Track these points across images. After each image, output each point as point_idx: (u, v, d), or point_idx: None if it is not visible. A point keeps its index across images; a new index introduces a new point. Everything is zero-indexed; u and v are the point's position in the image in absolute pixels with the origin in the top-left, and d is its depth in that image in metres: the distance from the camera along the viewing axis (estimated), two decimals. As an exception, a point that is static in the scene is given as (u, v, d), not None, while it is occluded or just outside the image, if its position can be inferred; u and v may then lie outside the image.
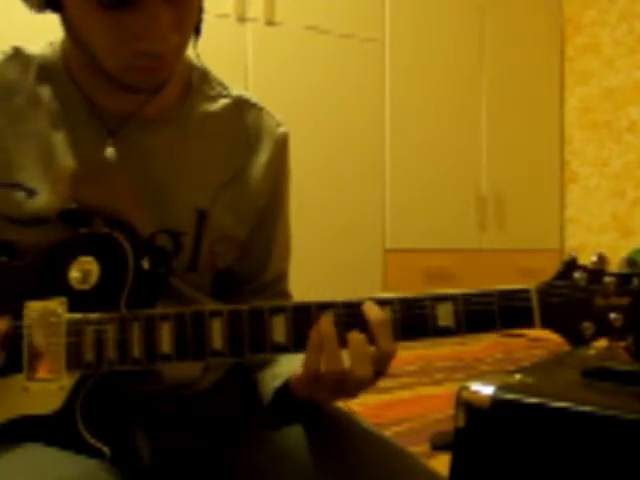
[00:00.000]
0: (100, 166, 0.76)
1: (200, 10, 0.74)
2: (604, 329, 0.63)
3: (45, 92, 0.77)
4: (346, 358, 0.65)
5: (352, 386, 0.65)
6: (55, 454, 0.65)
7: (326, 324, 0.65)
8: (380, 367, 0.66)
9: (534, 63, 3.64)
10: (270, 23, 2.77)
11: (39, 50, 0.79)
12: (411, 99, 3.19)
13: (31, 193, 0.74)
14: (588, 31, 3.68)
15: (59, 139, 0.76)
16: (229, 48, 2.64)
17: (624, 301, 0.62)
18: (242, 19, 2.70)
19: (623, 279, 0.62)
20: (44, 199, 0.74)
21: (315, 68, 2.88)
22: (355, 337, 0.64)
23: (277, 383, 0.75)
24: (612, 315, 0.62)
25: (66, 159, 0.75)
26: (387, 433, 1.01)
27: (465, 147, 3.39)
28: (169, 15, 0.66)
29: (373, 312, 0.65)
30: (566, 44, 3.76)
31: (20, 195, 0.74)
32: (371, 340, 0.64)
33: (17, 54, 0.78)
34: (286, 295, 0.92)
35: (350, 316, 0.66)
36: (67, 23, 0.71)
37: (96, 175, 0.75)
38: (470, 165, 3.40)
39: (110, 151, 0.76)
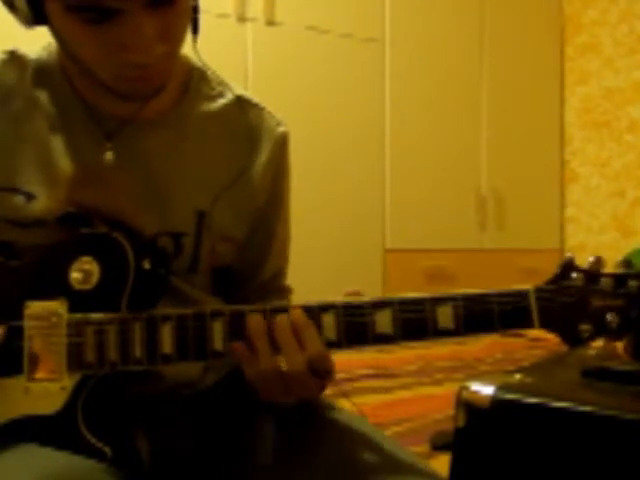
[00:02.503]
0: (99, 170, 0.76)
1: (196, 11, 0.73)
2: (601, 330, 0.63)
3: (42, 95, 0.76)
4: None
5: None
6: (55, 454, 0.65)
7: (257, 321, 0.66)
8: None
9: (534, 63, 3.63)
10: (270, 23, 2.77)
11: (36, 53, 0.78)
12: (411, 99, 3.18)
13: (30, 197, 0.74)
14: (588, 31, 3.67)
15: (57, 143, 0.75)
16: (229, 48, 2.64)
17: (620, 302, 0.63)
18: (242, 19, 2.70)
19: (619, 280, 0.63)
20: (43, 203, 0.74)
21: (315, 68, 2.88)
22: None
23: None
24: (608, 316, 0.63)
25: (64, 163, 0.75)
26: (387, 433, 1.01)
27: (465, 147, 3.38)
28: (154, 25, 0.65)
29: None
30: (566, 44, 3.76)
31: (19, 199, 0.74)
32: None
33: (14, 57, 0.77)
34: (285, 290, 0.93)
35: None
36: (56, 36, 0.71)
37: (95, 179, 0.75)
38: (470, 165, 3.40)
39: (109, 155, 0.76)
